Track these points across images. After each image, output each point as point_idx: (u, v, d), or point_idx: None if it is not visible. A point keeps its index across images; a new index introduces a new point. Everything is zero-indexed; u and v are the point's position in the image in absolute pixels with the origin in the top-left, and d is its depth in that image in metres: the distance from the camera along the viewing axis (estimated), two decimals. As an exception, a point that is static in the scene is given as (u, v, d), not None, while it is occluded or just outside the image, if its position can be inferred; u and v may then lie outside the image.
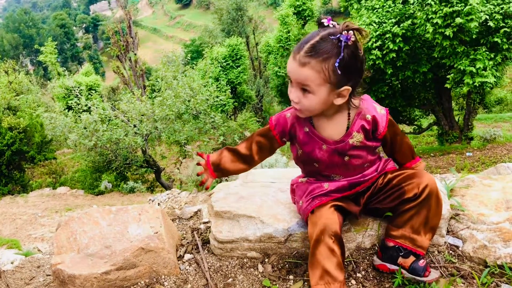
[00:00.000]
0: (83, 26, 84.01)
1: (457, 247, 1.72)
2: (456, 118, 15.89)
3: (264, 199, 1.96)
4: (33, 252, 7.71)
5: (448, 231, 1.79)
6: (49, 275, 2.16)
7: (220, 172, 1.77)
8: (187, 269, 1.86)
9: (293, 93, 1.49)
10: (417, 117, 17.19)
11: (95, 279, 1.72)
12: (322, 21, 1.45)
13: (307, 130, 1.60)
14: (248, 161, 1.76)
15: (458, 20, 10.89)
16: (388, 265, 1.62)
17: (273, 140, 1.71)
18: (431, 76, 13.70)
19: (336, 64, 1.38)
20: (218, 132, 15.90)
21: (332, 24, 1.44)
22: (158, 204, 9.41)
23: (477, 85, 11.48)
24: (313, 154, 1.61)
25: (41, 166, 18.46)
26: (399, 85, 14.88)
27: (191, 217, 2.38)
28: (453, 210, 1.83)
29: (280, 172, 2.23)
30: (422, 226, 1.57)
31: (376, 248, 1.75)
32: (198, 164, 1.82)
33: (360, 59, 1.45)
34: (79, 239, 1.88)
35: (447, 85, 12.67)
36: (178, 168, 16.96)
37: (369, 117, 1.56)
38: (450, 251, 1.72)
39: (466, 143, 14.77)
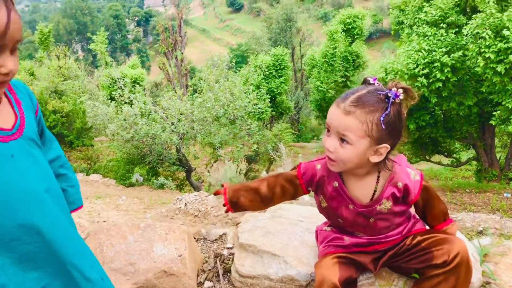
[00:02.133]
0: (136, 19, 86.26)
1: (484, 318, 1.66)
2: (498, 156, 15.36)
3: (290, 238, 1.94)
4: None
5: (476, 299, 1.72)
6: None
7: (238, 209, 1.76)
8: (205, 297, 1.87)
9: (330, 142, 1.45)
10: (457, 149, 16.72)
11: (115, 295, 1.75)
12: (368, 79, 1.45)
13: (337, 185, 1.56)
14: (267, 202, 1.75)
15: (512, 57, 10.56)
16: (410, 329, 1.58)
17: (298, 188, 1.68)
18: (476, 110, 13.32)
19: (382, 119, 1.36)
20: (253, 140, 15.97)
21: (377, 83, 1.43)
22: (185, 204, 9.52)
23: (524, 126, 11.10)
24: (338, 210, 1.59)
25: (78, 151, 19.00)
26: (441, 115, 14.54)
27: (215, 239, 2.39)
28: (484, 278, 1.77)
29: (309, 210, 2.21)
30: (449, 294, 1.52)
31: (399, 307, 1.70)
32: (216, 193, 1.82)
33: (403, 120, 1.43)
34: (105, 251, 1.92)
35: (492, 122, 12.29)
36: (208, 171, 17.12)
37: (400, 184, 1.51)
38: (476, 322, 1.66)
39: (505, 183, 14.25)
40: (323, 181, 1.60)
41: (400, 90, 1.38)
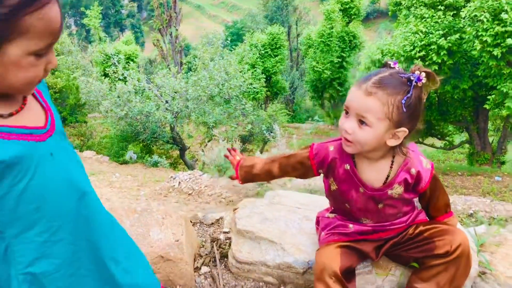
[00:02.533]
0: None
1: (479, 307, 1.68)
2: (490, 140, 15.46)
3: (288, 225, 1.94)
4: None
5: (472, 289, 1.74)
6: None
7: (248, 182, 1.86)
8: (202, 283, 1.87)
9: (348, 123, 1.43)
10: (450, 132, 16.79)
11: (112, 280, 1.75)
12: (388, 62, 1.44)
13: (348, 167, 1.55)
14: (276, 178, 1.81)
15: (509, 41, 10.51)
16: (407, 317, 1.60)
17: (309, 169, 1.67)
18: (471, 94, 13.33)
19: (403, 101, 1.35)
20: (247, 120, 15.92)
21: (397, 67, 1.42)
22: (179, 182, 9.54)
23: (519, 110, 11.13)
24: (348, 194, 1.58)
25: (71, 127, 18.87)
26: (436, 98, 14.55)
27: (212, 223, 2.39)
28: (480, 267, 1.78)
29: (308, 198, 2.20)
30: (447, 284, 1.53)
31: (395, 296, 1.72)
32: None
33: (423, 105, 1.42)
34: (101, 235, 1.91)
35: (486, 106, 12.31)
36: (202, 150, 17.10)
37: (413, 171, 1.51)
38: (471, 311, 1.67)
39: (496, 167, 14.37)
40: (334, 163, 1.59)
41: (423, 74, 1.38)
